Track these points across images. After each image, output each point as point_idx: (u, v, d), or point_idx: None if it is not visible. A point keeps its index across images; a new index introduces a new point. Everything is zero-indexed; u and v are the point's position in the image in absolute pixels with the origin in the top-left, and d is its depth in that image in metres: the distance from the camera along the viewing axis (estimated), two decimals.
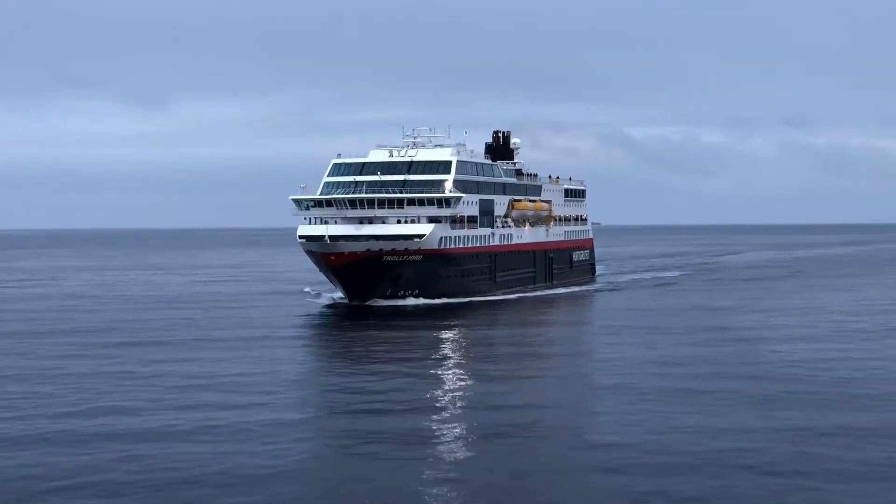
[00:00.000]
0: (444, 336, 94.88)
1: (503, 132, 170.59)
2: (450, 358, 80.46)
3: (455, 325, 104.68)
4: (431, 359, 79.38)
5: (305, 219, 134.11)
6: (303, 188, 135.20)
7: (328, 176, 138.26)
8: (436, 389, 65.25)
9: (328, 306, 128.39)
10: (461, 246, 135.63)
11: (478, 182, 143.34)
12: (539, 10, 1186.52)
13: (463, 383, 67.99)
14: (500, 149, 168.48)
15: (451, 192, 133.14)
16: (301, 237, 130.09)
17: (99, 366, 76.70)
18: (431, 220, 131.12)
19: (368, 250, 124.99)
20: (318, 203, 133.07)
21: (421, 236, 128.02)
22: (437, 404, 60.33)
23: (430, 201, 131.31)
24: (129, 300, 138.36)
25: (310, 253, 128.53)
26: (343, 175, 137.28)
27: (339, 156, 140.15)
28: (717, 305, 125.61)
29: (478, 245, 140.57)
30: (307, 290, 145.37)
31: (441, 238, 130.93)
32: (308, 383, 70.27)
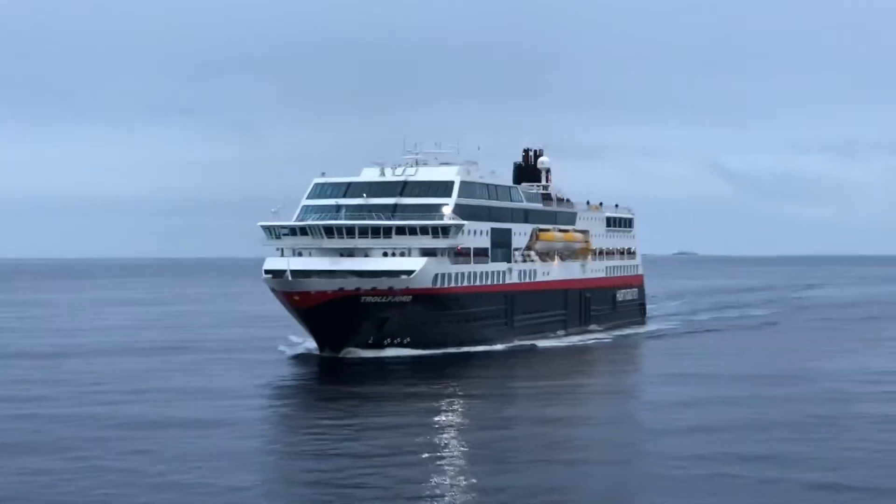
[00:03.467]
0: (431, 413, 70.30)
1: (534, 150, 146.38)
2: (435, 457, 56.09)
3: (447, 393, 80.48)
4: (407, 459, 55.44)
5: (278, 249, 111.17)
6: (274, 213, 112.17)
7: (307, 198, 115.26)
8: None
9: (293, 358, 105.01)
10: (464, 284, 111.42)
11: (489, 207, 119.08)
12: (630, 32, 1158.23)
13: None
14: (530, 169, 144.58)
15: (450, 218, 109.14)
16: (266, 272, 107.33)
17: None
18: (425, 252, 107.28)
19: (341, 289, 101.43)
20: (292, 231, 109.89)
21: (409, 272, 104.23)
22: None
23: (424, 230, 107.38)
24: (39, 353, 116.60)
25: (274, 292, 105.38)
26: (324, 197, 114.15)
27: (322, 174, 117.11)
28: (823, 367, 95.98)
29: (488, 283, 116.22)
30: (293, 337, 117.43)
31: (437, 275, 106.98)
32: None
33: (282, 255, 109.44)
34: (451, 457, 56.08)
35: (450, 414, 71.06)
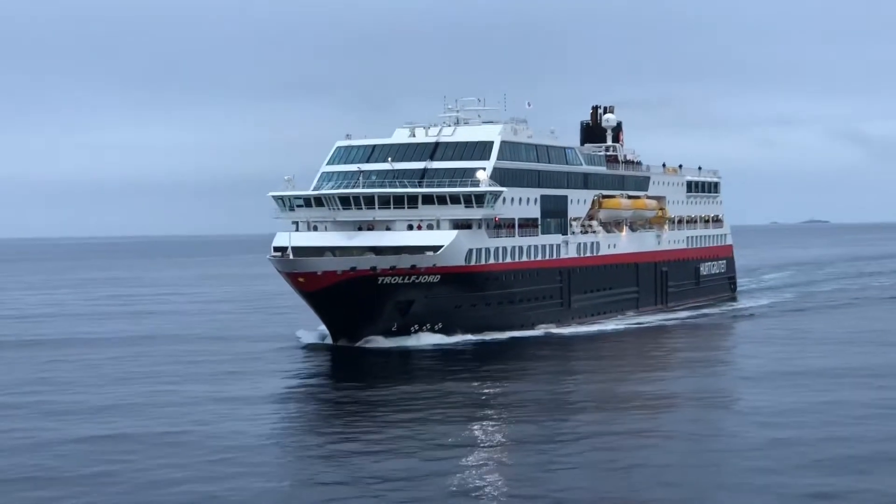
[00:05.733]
0: (463, 424, 55.62)
1: (605, 107, 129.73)
2: (466, 491, 42.34)
3: (483, 396, 65.41)
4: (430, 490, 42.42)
5: (292, 223, 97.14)
6: (288, 180, 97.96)
7: (327, 164, 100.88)
8: None
9: (305, 348, 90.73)
10: (506, 261, 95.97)
11: (538, 172, 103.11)
12: (769, 3, 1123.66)
13: None
14: (598, 129, 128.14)
15: (486, 184, 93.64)
16: (275, 249, 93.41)
17: None
18: (457, 225, 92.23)
19: (354, 269, 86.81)
20: (306, 201, 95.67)
21: (436, 248, 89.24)
22: None
23: (455, 198, 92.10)
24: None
25: (279, 273, 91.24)
26: (345, 162, 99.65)
27: (347, 136, 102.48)
28: None
29: (537, 259, 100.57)
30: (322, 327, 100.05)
31: (470, 250, 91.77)
32: None
33: (297, 230, 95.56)
34: (487, 490, 42.26)
35: (486, 427, 55.73)
